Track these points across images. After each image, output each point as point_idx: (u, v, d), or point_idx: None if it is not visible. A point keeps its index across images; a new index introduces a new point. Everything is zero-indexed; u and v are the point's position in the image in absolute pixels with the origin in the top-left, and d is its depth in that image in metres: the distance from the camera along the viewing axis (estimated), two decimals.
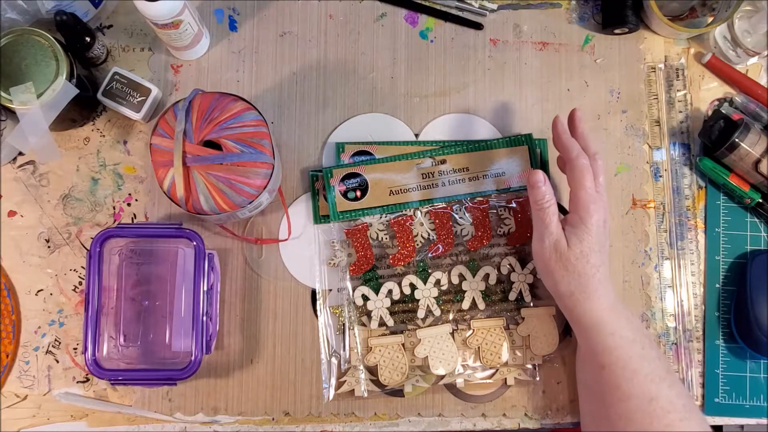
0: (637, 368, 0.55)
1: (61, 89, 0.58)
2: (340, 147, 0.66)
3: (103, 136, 0.67)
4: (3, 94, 0.57)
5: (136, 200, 0.66)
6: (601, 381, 0.56)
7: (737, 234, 0.68)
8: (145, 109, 0.64)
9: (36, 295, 0.65)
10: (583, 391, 0.61)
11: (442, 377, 0.63)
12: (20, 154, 0.66)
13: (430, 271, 0.65)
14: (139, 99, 0.64)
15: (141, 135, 0.67)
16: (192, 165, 0.55)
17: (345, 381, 0.63)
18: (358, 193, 0.65)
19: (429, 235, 0.65)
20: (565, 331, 0.65)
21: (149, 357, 0.62)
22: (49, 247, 0.65)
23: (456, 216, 0.65)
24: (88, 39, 0.63)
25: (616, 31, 0.69)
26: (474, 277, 0.65)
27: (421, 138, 0.68)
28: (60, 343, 0.64)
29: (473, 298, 0.64)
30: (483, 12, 0.69)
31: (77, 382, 0.64)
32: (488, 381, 0.64)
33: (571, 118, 0.62)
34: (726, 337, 0.66)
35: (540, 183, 0.59)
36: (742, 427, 0.70)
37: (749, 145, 0.63)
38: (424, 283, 0.64)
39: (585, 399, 0.60)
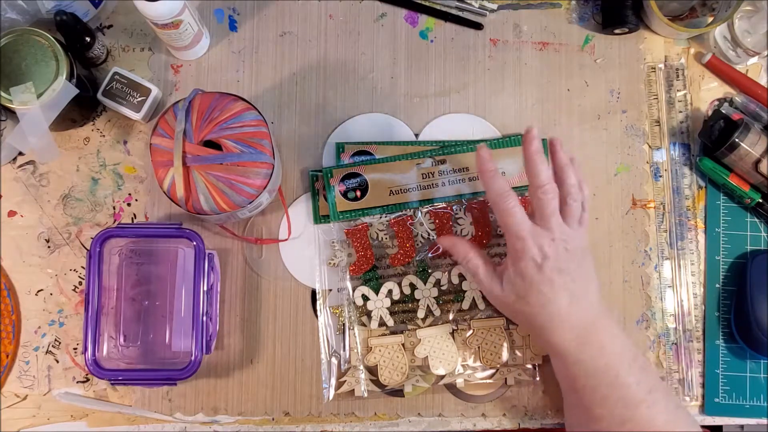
0: (606, 395, 0.54)
1: (61, 89, 0.58)
2: (340, 147, 0.66)
3: (103, 136, 0.67)
4: (3, 94, 0.57)
5: (136, 200, 0.66)
6: (575, 400, 0.57)
7: (737, 234, 0.68)
8: (145, 109, 0.64)
9: (36, 295, 0.65)
10: (564, 400, 0.61)
11: (442, 377, 0.63)
12: (20, 154, 0.66)
13: (430, 271, 0.65)
14: (139, 99, 0.64)
15: (141, 135, 0.67)
16: (192, 165, 0.55)
17: (345, 381, 0.63)
18: (358, 193, 0.65)
19: (429, 235, 0.65)
20: None
21: (149, 357, 0.62)
22: (49, 247, 0.65)
23: (456, 216, 0.65)
24: (88, 39, 0.63)
25: (616, 31, 0.69)
26: None
27: (421, 138, 0.68)
28: (60, 343, 0.64)
29: (473, 298, 0.64)
30: (483, 12, 0.69)
31: (77, 382, 0.64)
32: (488, 381, 0.64)
33: (552, 147, 0.59)
34: (726, 337, 0.66)
35: (450, 246, 0.61)
36: (742, 427, 0.70)
37: (749, 145, 0.63)
38: (424, 283, 0.64)
39: (566, 410, 0.60)
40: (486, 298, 0.64)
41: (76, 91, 0.59)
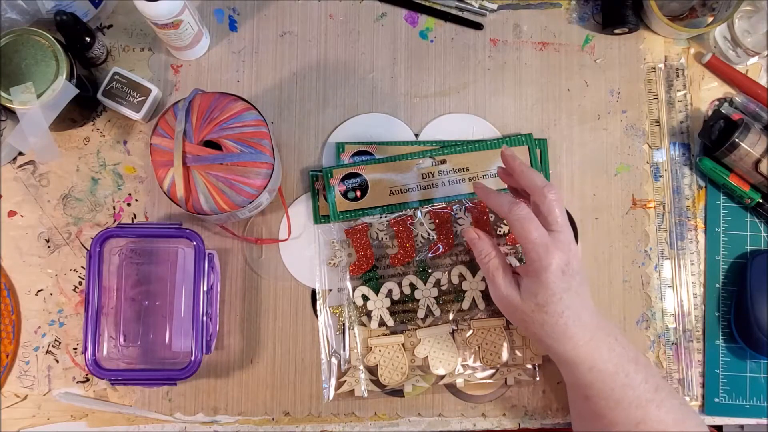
0: (620, 397, 0.54)
1: (61, 89, 0.58)
2: (340, 147, 0.66)
3: (103, 136, 0.67)
4: (3, 94, 0.57)
5: (136, 200, 0.66)
6: (587, 409, 0.56)
7: (737, 234, 0.68)
8: (145, 109, 0.64)
9: (36, 295, 0.65)
10: (573, 412, 0.61)
11: (442, 377, 0.63)
12: (20, 154, 0.66)
13: (430, 271, 0.65)
14: (139, 99, 0.64)
15: (141, 135, 0.67)
16: (192, 165, 0.55)
17: (345, 381, 0.63)
18: (358, 193, 0.65)
19: (429, 235, 0.65)
20: None
21: (149, 357, 0.62)
22: (49, 247, 0.65)
23: (456, 216, 0.65)
24: (88, 39, 0.63)
25: (616, 31, 0.69)
26: (474, 277, 0.65)
27: (421, 138, 0.68)
28: (60, 343, 0.64)
29: (473, 298, 0.64)
30: (483, 12, 0.69)
31: (77, 382, 0.64)
32: (488, 381, 0.64)
33: (504, 159, 0.58)
34: (726, 337, 0.66)
35: (475, 240, 0.58)
36: (742, 427, 0.70)
37: (749, 145, 0.63)
38: (424, 283, 0.64)
39: (575, 420, 0.60)
40: (485, 298, 0.64)
41: (76, 91, 0.59)
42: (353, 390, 0.63)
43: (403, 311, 0.64)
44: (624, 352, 0.56)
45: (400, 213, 0.65)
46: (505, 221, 0.65)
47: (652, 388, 0.55)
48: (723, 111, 0.67)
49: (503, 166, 0.60)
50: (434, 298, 0.64)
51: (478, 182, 0.60)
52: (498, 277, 0.57)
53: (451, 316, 0.64)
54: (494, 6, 0.69)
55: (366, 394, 0.63)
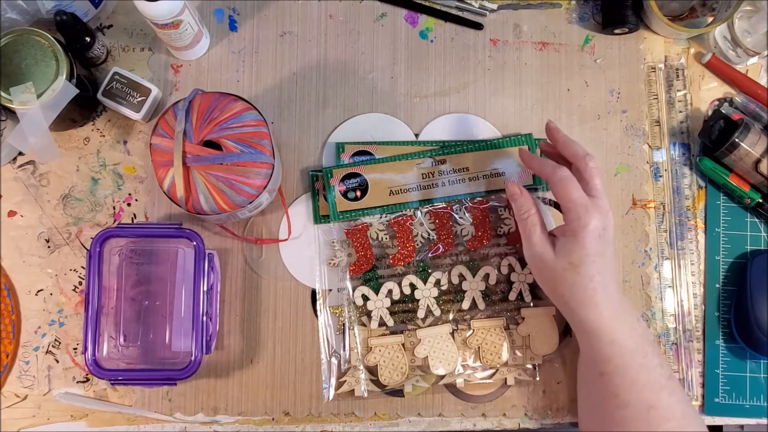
0: (636, 378, 0.54)
1: (61, 89, 0.58)
2: (340, 147, 0.66)
3: (103, 136, 0.67)
4: (3, 94, 0.57)
5: (136, 200, 0.66)
6: (600, 387, 0.56)
7: (737, 234, 0.68)
8: (145, 109, 0.64)
9: (36, 295, 0.65)
10: (582, 390, 0.61)
11: (442, 377, 0.63)
12: (20, 154, 0.66)
13: (430, 271, 0.65)
14: (139, 99, 0.64)
15: (141, 135, 0.67)
16: (192, 165, 0.55)
17: (345, 381, 0.63)
18: (358, 193, 0.65)
19: (429, 235, 0.65)
20: (565, 331, 0.65)
21: (149, 357, 0.62)
22: (49, 247, 0.65)
23: (456, 216, 0.65)
24: (88, 39, 0.63)
25: (616, 31, 0.69)
26: (474, 277, 0.65)
27: (421, 138, 0.68)
28: (60, 343, 0.64)
29: (473, 298, 0.64)
30: (483, 12, 0.69)
31: (77, 382, 0.64)
32: (488, 381, 0.64)
33: (548, 131, 0.61)
34: (726, 337, 0.66)
35: (517, 195, 0.59)
36: (742, 427, 0.70)
37: (749, 145, 0.63)
38: (424, 283, 0.64)
39: (584, 399, 0.60)
40: (485, 298, 0.65)
41: (76, 91, 0.59)
42: (353, 390, 0.63)
43: (403, 311, 0.64)
44: (644, 333, 0.57)
45: (400, 213, 0.65)
46: (504, 221, 0.66)
47: (666, 374, 0.56)
48: (723, 111, 0.67)
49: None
50: (434, 298, 0.64)
51: (523, 148, 0.63)
52: (535, 234, 0.58)
53: (451, 316, 0.64)
54: (494, 6, 0.69)
55: (366, 394, 0.63)
